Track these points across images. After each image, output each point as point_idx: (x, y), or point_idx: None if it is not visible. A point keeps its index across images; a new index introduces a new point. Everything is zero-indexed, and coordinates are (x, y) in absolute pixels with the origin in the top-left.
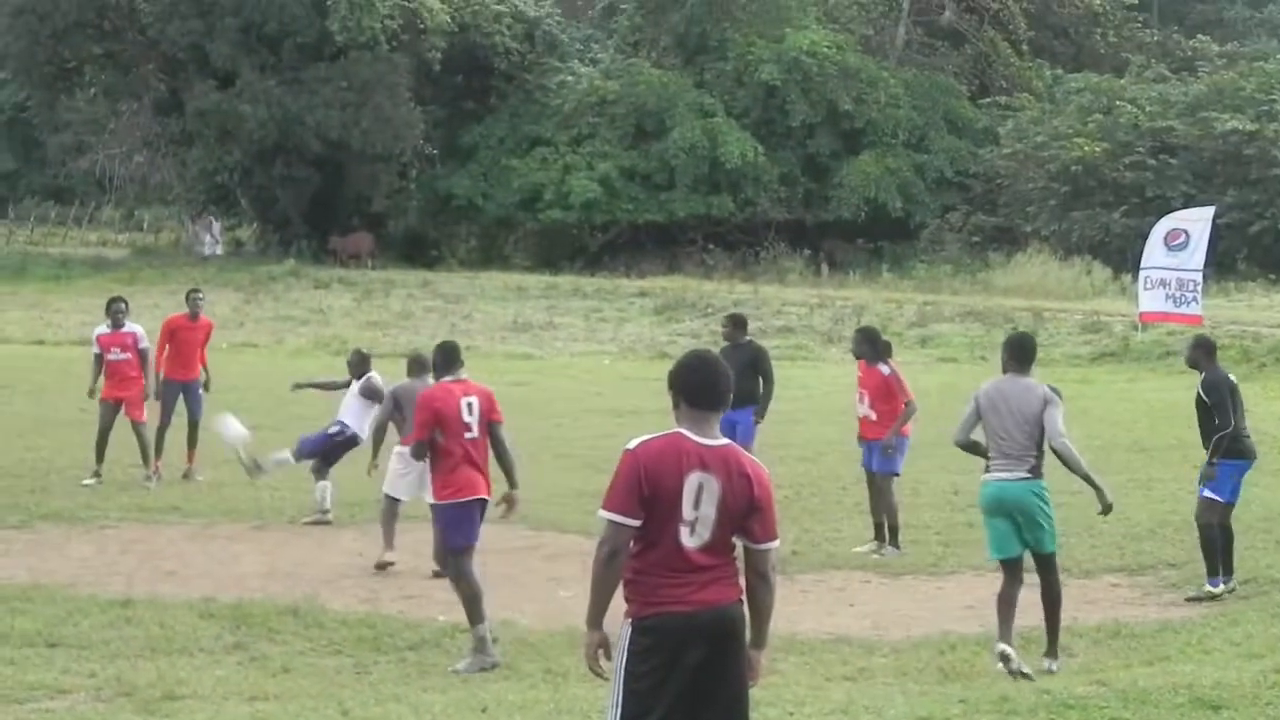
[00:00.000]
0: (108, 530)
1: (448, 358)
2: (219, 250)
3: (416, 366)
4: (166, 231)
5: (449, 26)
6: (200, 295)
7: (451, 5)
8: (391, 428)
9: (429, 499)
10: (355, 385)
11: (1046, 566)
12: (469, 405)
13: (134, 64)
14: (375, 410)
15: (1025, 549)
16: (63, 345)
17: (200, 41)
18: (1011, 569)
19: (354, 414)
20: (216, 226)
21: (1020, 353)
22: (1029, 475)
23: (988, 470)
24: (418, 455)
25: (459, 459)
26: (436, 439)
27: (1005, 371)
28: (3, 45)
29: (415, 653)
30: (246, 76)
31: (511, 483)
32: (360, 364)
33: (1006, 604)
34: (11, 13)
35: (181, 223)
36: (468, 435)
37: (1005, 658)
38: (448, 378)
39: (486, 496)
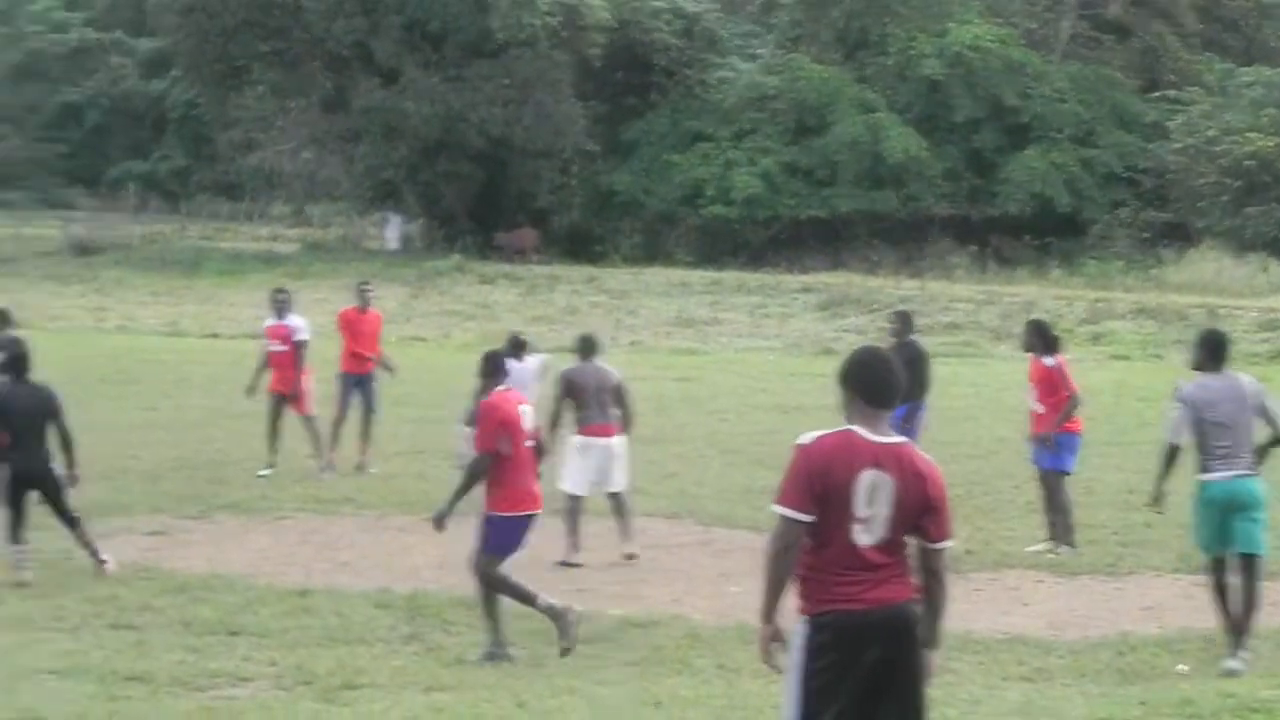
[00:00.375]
0: (284, 521)
1: (497, 367)
2: (398, 245)
3: (587, 347)
4: (335, 227)
5: (609, 23)
6: (369, 288)
7: (612, 2)
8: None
9: (486, 508)
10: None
11: (1253, 570)
12: (525, 413)
13: (301, 62)
14: (533, 390)
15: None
16: (236, 338)
17: (365, 39)
18: (1221, 559)
19: None
20: (395, 221)
21: (1217, 348)
22: (1252, 471)
23: (1207, 470)
24: (481, 467)
25: (521, 469)
26: (501, 449)
27: (1199, 369)
28: (174, 43)
29: (588, 646)
30: (410, 74)
31: None
32: (517, 348)
33: (1222, 595)
34: (182, 11)
35: (350, 218)
36: (527, 444)
37: (1231, 673)
38: (500, 387)
39: (538, 511)
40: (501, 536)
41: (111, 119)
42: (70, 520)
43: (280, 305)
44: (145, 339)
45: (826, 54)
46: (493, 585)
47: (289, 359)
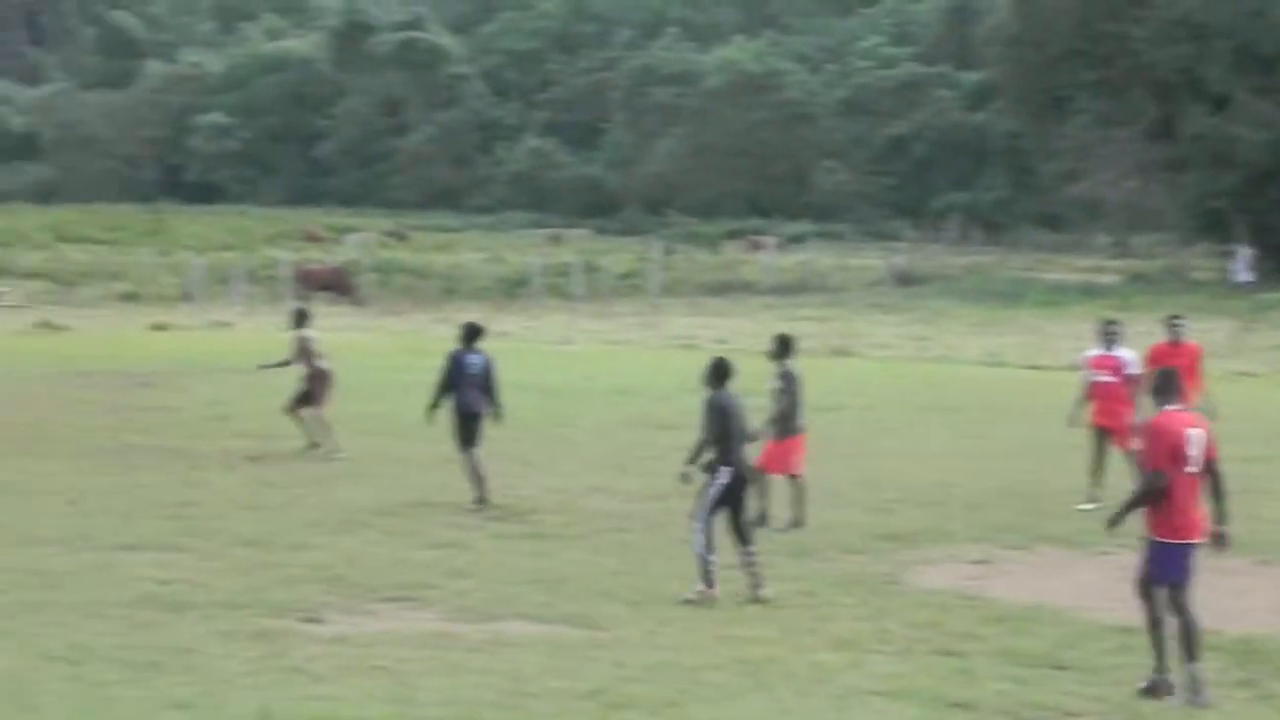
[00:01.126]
0: (1107, 556)
1: (1170, 385)
2: (1251, 278)
3: None
4: (1160, 258)
5: None
6: (1179, 321)
7: None
8: None
9: (1147, 532)
10: None
11: None
12: (1194, 437)
13: (1125, 90)
14: None
15: None
16: (1058, 370)
17: (1193, 65)
18: None
19: None
20: (1246, 254)
21: None
22: None
23: None
24: (1159, 484)
25: (1184, 494)
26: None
27: None
28: (998, 75)
29: None
30: (1240, 99)
31: (1221, 520)
32: None
33: None
34: (1007, 42)
35: (1175, 249)
36: (1189, 469)
37: None
38: (1170, 406)
39: (1200, 540)
40: (1163, 563)
41: (935, 151)
42: (744, 534)
43: (1110, 337)
44: (966, 368)
45: None
46: (1155, 614)
47: (1116, 391)
